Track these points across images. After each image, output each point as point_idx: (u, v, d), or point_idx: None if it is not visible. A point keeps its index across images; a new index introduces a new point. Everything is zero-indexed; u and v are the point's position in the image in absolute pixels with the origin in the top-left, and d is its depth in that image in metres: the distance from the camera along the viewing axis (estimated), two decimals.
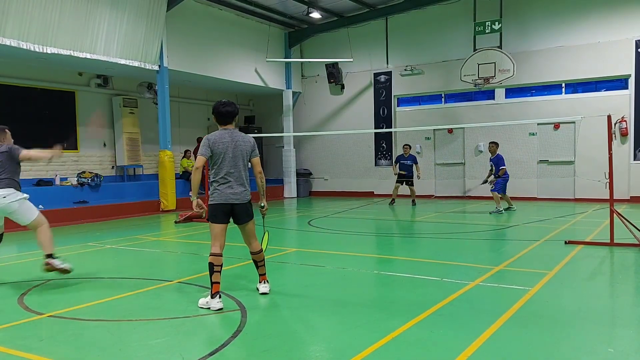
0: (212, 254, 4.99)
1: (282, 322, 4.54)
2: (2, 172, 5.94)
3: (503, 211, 12.54)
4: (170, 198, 14.51)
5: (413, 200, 15.13)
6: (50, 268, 5.91)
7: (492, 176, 12.70)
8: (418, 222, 11.82)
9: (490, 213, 12.44)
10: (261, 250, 5.38)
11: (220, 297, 4.84)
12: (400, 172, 15.06)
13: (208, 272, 4.95)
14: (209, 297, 4.88)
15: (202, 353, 3.71)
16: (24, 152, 6.09)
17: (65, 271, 5.98)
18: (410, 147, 15.34)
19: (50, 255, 5.95)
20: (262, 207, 5.33)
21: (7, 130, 6.42)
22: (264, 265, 5.44)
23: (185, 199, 15.29)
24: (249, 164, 5.20)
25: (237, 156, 5.04)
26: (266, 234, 5.58)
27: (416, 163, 15.11)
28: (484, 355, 3.62)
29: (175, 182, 14.88)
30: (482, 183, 13.26)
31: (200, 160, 5.00)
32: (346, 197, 18.61)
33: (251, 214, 5.21)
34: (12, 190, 5.92)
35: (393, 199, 15.26)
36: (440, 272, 6.27)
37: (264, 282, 5.42)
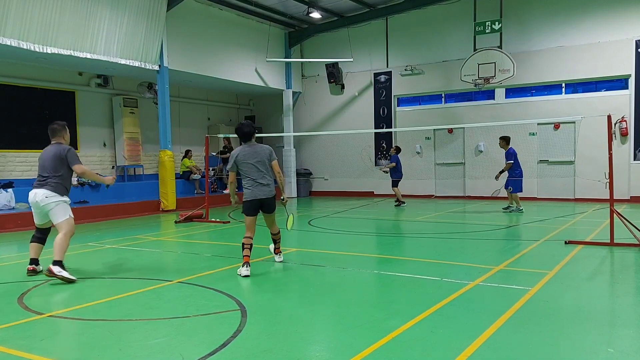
0: (245, 237, 6.37)
1: (282, 322, 4.53)
2: (50, 176, 6.30)
3: (522, 209, 12.73)
4: (171, 198, 14.51)
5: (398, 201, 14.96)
6: (49, 275, 5.99)
7: (506, 172, 12.71)
8: (418, 222, 11.81)
9: (506, 210, 12.72)
10: (278, 232, 6.87)
11: (248, 266, 6.17)
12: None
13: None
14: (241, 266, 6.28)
15: (202, 353, 3.71)
16: (79, 167, 6.39)
17: (66, 280, 6.02)
18: (394, 149, 15.53)
19: (57, 262, 6.05)
20: (282, 199, 6.88)
21: (67, 127, 6.75)
22: (279, 241, 6.99)
23: (186, 198, 15.31)
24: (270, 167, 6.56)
25: (259, 162, 6.43)
26: (290, 216, 7.34)
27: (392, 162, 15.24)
28: (484, 355, 3.62)
29: (176, 182, 14.88)
30: (497, 178, 13.14)
31: (231, 175, 6.55)
32: (346, 197, 18.61)
33: (274, 206, 6.59)
34: (53, 193, 6.26)
35: (402, 201, 14.96)
36: (440, 272, 6.27)
37: (279, 254, 6.97)
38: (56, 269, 5.98)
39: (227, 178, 17.47)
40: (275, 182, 6.65)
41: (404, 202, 14.89)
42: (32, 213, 6.49)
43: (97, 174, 6.85)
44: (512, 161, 12.60)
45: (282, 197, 6.84)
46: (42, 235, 6.55)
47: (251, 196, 6.34)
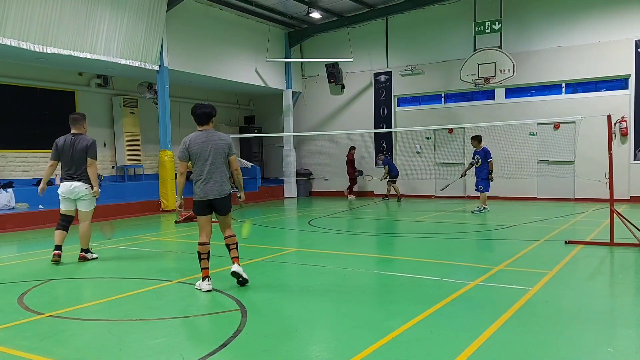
0: (199, 244, 5.55)
1: (282, 322, 4.53)
2: (79, 168, 7.17)
3: (488, 209, 12.72)
4: (171, 198, 14.52)
5: (386, 196, 17.06)
6: (83, 260, 7.29)
7: (478, 170, 12.64)
8: (418, 222, 11.81)
9: (472, 212, 12.61)
10: (233, 236, 5.71)
11: (209, 280, 5.45)
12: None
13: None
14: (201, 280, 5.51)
15: (202, 353, 3.71)
16: (92, 162, 7.19)
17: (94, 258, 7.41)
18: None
19: (85, 250, 7.37)
20: (239, 197, 5.89)
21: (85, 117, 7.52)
22: (235, 249, 5.69)
23: (186, 198, 15.24)
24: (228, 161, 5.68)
25: (214, 154, 5.48)
26: (247, 223, 6.32)
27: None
28: (484, 355, 3.62)
29: (175, 182, 14.86)
30: (460, 177, 13.39)
31: (182, 165, 5.59)
32: (346, 197, 18.60)
33: (228, 207, 5.67)
34: (85, 184, 7.23)
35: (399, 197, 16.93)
36: (440, 272, 6.27)
37: (235, 264, 5.61)
38: (89, 255, 7.39)
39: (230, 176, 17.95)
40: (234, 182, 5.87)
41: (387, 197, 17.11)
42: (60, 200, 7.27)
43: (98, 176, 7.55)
44: (491, 159, 12.59)
45: (238, 196, 5.86)
46: (68, 223, 7.31)
47: (201, 196, 5.48)
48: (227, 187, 5.58)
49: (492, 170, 12.53)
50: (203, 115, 5.54)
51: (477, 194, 13.04)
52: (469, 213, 12.92)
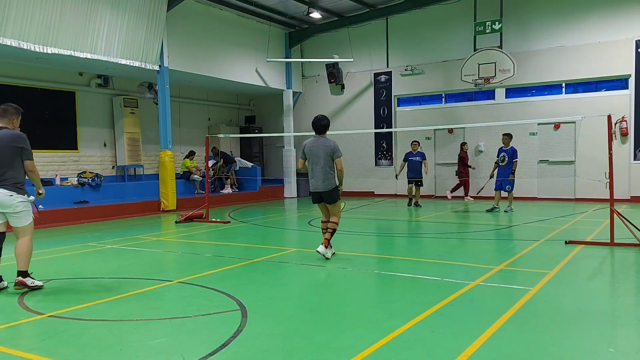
0: (321, 221, 7.39)
1: (282, 322, 4.53)
2: (2, 172, 5.47)
3: (498, 210, 12.74)
4: (171, 198, 14.50)
5: (417, 202, 14.53)
6: (22, 287, 5.57)
7: (503, 169, 12.65)
8: (418, 222, 11.81)
9: (505, 211, 12.60)
10: (333, 222, 7.17)
11: (324, 246, 7.01)
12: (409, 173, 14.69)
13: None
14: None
15: (203, 353, 3.71)
16: (29, 165, 5.59)
17: (38, 287, 5.69)
18: (419, 144, 15.00)
19: (24, 273, 5.63)
20: (338, 188, 7.25)
21: (21, 113, 5.83)
22: (329, 232, 7.14)
23: (186, 198, 15.28)
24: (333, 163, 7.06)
25: (320, 157, 6.95)
26: (343, 203, 7.72)
27: (424, 159, 14.70)
28: (485, 355, 3.62)
29: (176, 182, 14.86)
30: (490, 177, 13.30)
31: (300, 162, 7.31)
32: (346, 197, 18.56)
33: (332, 198, 7.10)
34: (10, 192, 5.52)
35: (410, 199, 14.88)
36: (440, 272, 6.27)
37: (322, 245, 7.04)
38: (29, 281, 5.62)
39: (230, 176, 18.06)
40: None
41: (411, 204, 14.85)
42: None
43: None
44: (517, 159, 12.63)
45: (338, 187, 7.21)
46: None
47: (311, 188, 7.17)
48: (330, 182, 7.01)
49: (514, 171, 12.56)
50: (320, 127, 7.07)
51: (493, 193, 13.14)
52: (469, 213, 12.91)
